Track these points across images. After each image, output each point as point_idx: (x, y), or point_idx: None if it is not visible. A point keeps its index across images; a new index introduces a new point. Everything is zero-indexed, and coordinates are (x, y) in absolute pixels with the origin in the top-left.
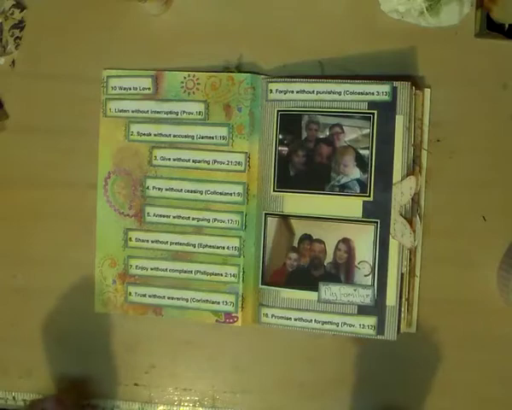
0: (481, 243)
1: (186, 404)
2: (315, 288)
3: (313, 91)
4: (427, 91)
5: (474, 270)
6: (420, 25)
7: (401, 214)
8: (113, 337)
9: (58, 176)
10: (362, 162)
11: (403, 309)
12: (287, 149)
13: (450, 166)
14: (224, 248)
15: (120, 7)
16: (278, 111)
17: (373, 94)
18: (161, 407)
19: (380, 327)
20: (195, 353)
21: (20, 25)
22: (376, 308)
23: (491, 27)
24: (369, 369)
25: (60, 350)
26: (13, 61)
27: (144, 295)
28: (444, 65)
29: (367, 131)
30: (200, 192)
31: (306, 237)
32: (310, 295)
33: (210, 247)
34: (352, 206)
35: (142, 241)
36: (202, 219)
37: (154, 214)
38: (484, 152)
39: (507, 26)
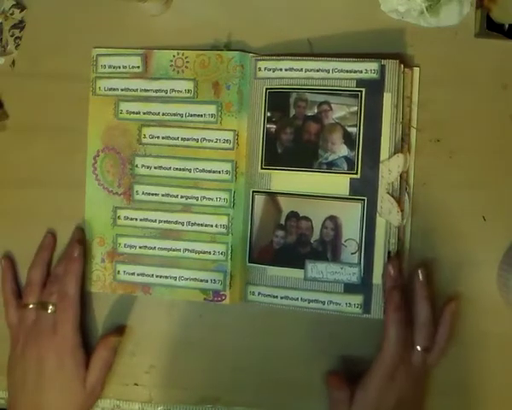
0: (481, 243)
1: (186, 404)
2: (301, 266)
3: (301, 69)
4: (416, 70)
5: (474, 270)
6: (420, 25)
7: (388, 192)
8: None
9: (58, 176)
10: (349, 140)
11: None
12: (275, 126)
13: (450, 166)
14: (212, 226)
15: (121, 7)
16: (267, 89)
17: (361, 72)
18: (161, 407)
19: (366, 306)
20: (196, 353)
21: (20, 25)
22: (363, 287)
23: (491, 27)
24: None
25: None
26: (13, 61)
27: (133, 274)
28: (444, 65)
29: (355, 108)
30: (189, 170)
31: (293, 215)
32: (296, 273)
33: (198, 225)
34: (340, 183)
35: (131, 219)
36: (191, 197)
37: (143, 192)
38: (484, 152)
39: (507, 26)
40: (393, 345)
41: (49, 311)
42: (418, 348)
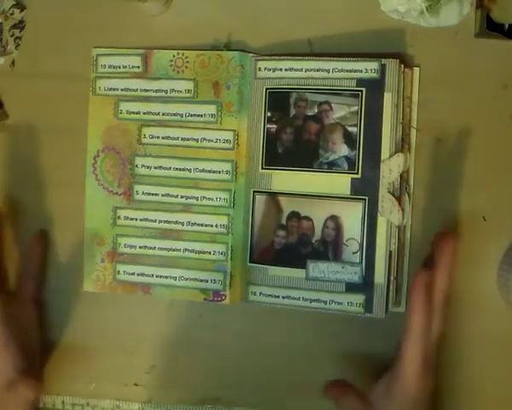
0: (481, 243)
1: (186, 404)
2: (303, 265)
3: (302, 69)
4: (416, 70)
5: (474, 270)
6: (420, 25)
7: (389, 192)
8: (113, 337)
9: (58, 176)
10: (350, 139)
11: (391, 287)
12: (275, 126)
13: (450, 166)
14: (212, 226)
15: (121, 7)
16: (267, 89)
17: (361, 71)
18: (161, 407)
19: (368, 305)
20: (196, 353)
21: (20, 25)
22: (364, 286)
23: (491, 27)
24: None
25: (59, 349)
26: (13, 61)
27: (133, 274)
28: (444, 65)
29: (355, 108)
30: (189, 170)
31: (294, 215)
32: (298, 273)
33: (198, 225)
34: (340, 183)
35: (131, 219)
36: (191, 197)
37: (143, 192)
38: (484, 152)
39: (507, 26)
40: (414, 366)
41: None
42: None
